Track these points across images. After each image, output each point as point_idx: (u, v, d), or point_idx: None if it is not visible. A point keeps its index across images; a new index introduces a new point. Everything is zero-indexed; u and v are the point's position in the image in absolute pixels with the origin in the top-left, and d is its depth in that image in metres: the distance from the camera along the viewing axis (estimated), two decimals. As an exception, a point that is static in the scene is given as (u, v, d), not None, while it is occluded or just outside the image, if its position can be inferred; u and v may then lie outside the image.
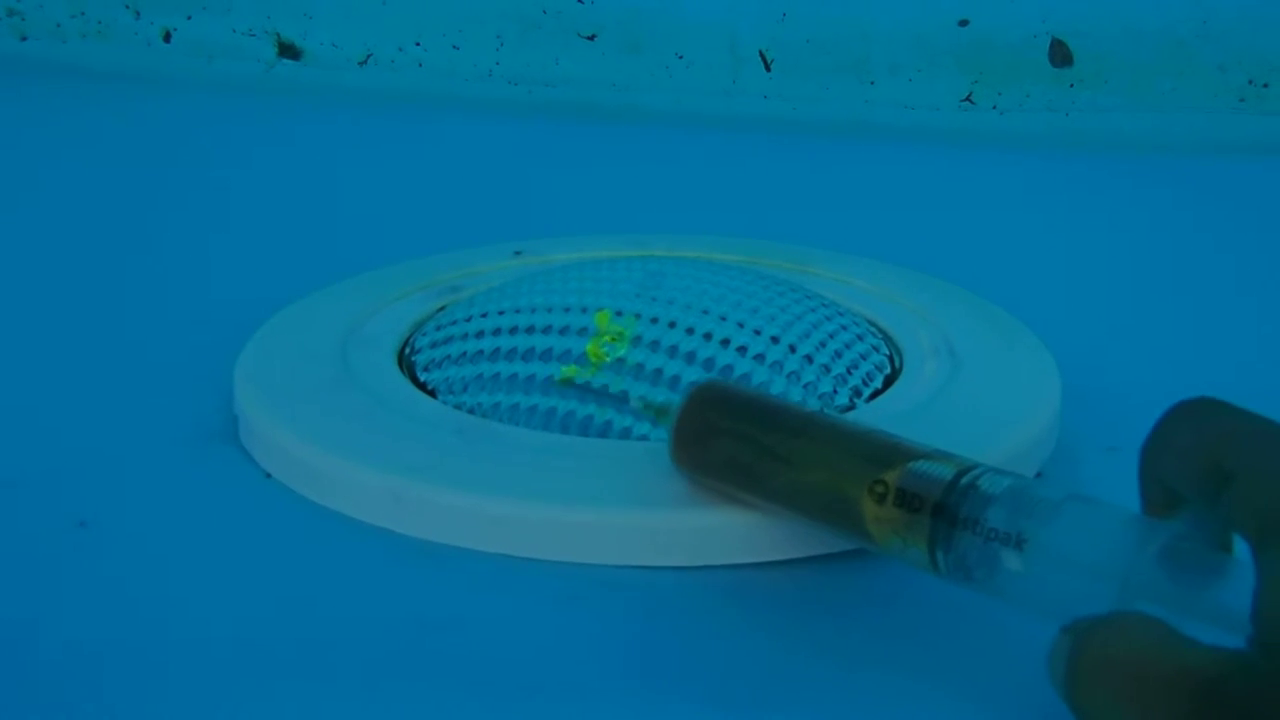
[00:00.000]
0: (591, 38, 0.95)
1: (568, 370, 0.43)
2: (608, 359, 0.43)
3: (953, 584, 0.32)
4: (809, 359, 0.45)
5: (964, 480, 0.32)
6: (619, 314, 0.45)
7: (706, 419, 0.38)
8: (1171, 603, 0.28)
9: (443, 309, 0.51)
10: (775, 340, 0.45)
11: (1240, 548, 0.28)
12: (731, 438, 0.37)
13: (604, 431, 0.42)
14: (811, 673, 0.34)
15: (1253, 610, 0.26)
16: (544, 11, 0.95)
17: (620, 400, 0.42)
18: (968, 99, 0.92)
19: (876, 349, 0.48)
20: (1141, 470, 0.32)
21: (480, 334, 0.46)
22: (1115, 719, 0.27)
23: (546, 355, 0.44)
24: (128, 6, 1.01)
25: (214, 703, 0.33)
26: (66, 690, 0.33)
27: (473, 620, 0.36)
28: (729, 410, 0.38)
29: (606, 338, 0.44)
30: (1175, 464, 0.30)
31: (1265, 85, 0.89)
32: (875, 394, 0.45)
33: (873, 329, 0.49)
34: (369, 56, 0.98)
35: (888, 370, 0.47)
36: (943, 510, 0.32)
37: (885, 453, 0.34)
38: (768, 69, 0.93)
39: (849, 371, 0.45)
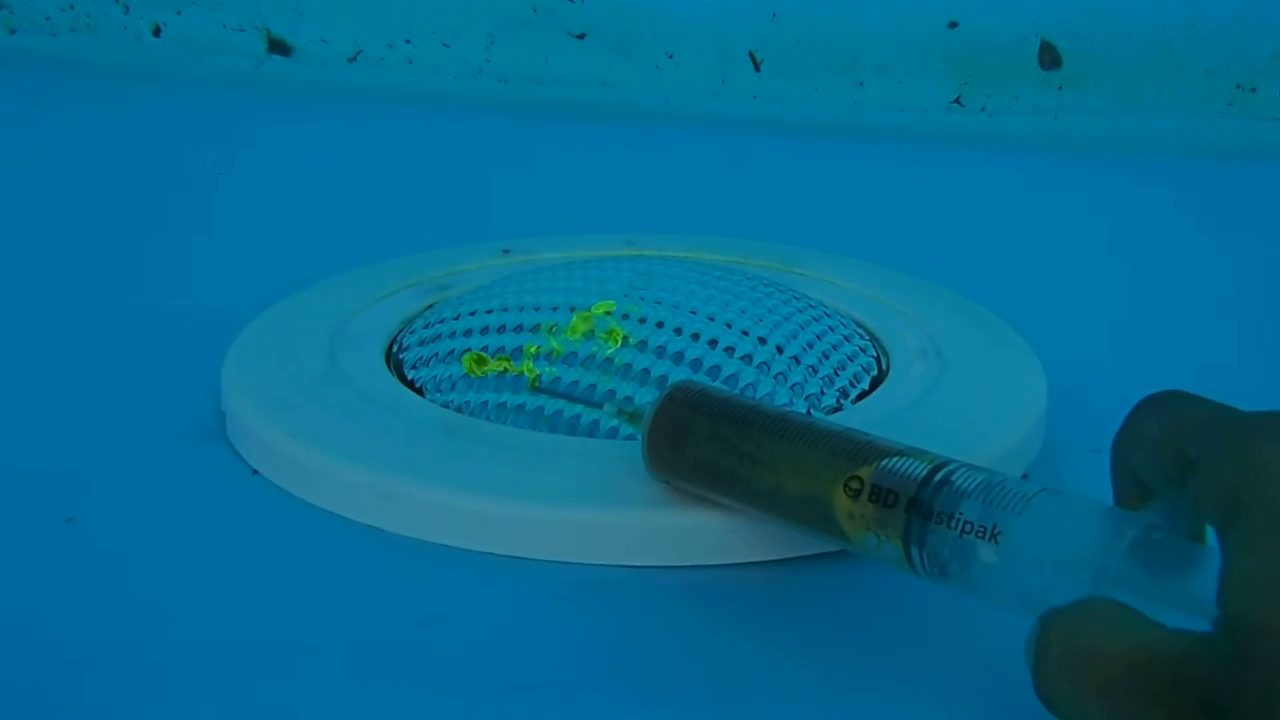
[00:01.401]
0: (581, 37, 0.95)
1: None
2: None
3: (927, 580, 0.32)
4: (796, 360, 0.45)
5: (938, 475, 0.32)
6: (608, 313, 0.45)
7: (680, 423, 0.37)
8: (1145, 592, 0.28)
9: (431, 307, 0.51)
10: (762, 341, 0.45)
11: (1212, 537, 0.28)
12: (705, 441, 0.37)
13: (591, 430, 0.42)
14: (789, 672, 0.34)
15: (1217, 592, 0.26)
16: (534, 10, 0.95)
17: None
18: (956, 101, 0.92)
19: (864, 350, 0.48)
20: (1113, 463, 0.32)
21: (468, 332, 0.46)
22: (1080, 703, 0.27)
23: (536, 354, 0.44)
24: (117, 1, 1.01)
25: (200, 699, 0.33)
26: (52, 686, 0.33)
27: (457, 618, 0.36)
28: (702, 414, 0.37)
29: (610, 334, 0.44)
30: (1144, 455, 0.30)
31: (1253, 89, 0.89)
32: (862, 395, 0.46)
33: (860, 330, 0.50)
34: (359, 53, 0.98)
35: (875, 372, 0.47)
36: (917, 505, 0.32)
37: (859, 450, 0.34)
38: (757, 69, 0.93)
39: (836, 373, 0.45)
